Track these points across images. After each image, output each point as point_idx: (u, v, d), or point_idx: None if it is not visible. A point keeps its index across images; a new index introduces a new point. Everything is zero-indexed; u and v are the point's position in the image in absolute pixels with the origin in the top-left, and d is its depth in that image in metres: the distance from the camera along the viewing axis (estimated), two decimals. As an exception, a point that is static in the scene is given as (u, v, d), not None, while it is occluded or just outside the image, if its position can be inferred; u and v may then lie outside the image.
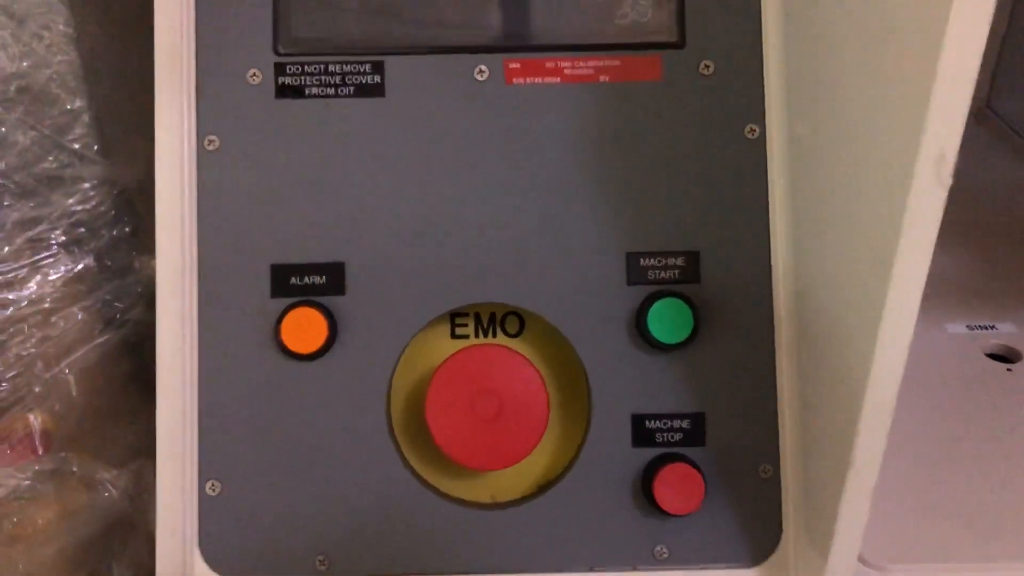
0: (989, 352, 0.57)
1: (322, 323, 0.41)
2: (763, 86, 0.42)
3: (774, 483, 0.41)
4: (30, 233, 0.45)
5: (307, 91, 0.42)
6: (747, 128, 0.42)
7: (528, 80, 0.42)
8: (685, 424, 0.41)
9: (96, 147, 0.46)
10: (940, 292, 0.61)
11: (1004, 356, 0.57)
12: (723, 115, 0.42)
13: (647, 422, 0.41)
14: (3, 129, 0.44)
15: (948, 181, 0.30)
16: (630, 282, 0.42)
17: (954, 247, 0.67)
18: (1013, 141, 0.78)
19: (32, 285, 0.45)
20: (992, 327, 0.59)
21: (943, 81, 0.29)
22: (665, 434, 0.41)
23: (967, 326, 0.59)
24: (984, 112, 0.80)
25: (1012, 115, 0.80)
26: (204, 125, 0.42)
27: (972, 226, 0.69)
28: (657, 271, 0.42)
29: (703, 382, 0.41)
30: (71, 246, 0.47)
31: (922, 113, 0.30)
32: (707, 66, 0.42)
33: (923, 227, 0.31)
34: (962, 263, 0.66)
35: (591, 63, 0.42)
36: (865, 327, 0.34)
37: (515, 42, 0.42)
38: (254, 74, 0.42)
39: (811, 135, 0.40)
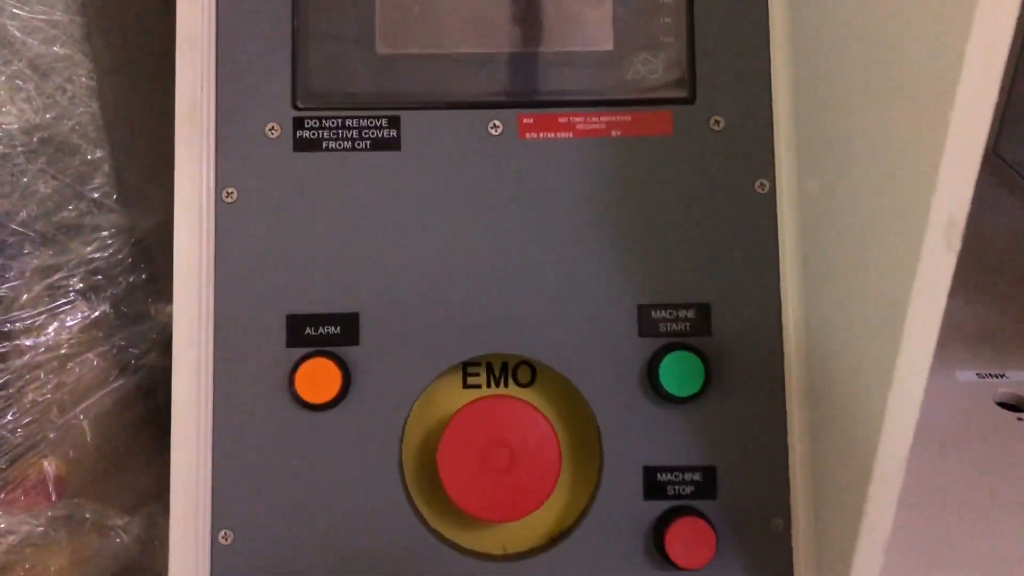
0: (999, 400, 0.57)
1: (336, 373, 0.41)
2: (773, 141, 0.43)
3: (785, 537, 0.41)
4: (49, 280, 0.46)
5: (324, 145, 0.43)
6: (757, 183, 0.43)
7: (541, 135, 0.43)
8: (696, 477, 0.42)
9: (115, 196, 0.47)
10: (949, 338, 0.61)
11: (1014, 405, 0.57)
12: (733, 170, 0.43)
13: (658, 475, 0.42)
14: (25, 179, 0.44)
15: (957, 246, 0.30)
16: (642, 334, 0.42)
17: (963, 292, 0.67)
18: (1020, 186, 0.79)
19: (50, 332, 0.46)
20: (1002, 375, 0.59)
21: (952, 148, 0.29)
22: (676, 487, 0.42)
23: (977, 374, 0.59)
24: (991, 157, 0.81)
25: (1019, 161, 0.80)
26: (223, 177, 0.42)
27: (980, 271, 0.69)
28: (668, 323, 0.42)
29: (714, 435, 0.42)
30: (88, 293, 0.47)
31: (931, 178, 0.30)
32: (717, 121, 0.43)
33: (933, 291, 0.31)
34: (971, 309, 0.66)
35: (603, 118, 0.43)
36: (877, 382, 0.34)
37: (528, 97, 0.43)
38: (272, 127, 0.43)
39: (821, 191, 0.41)
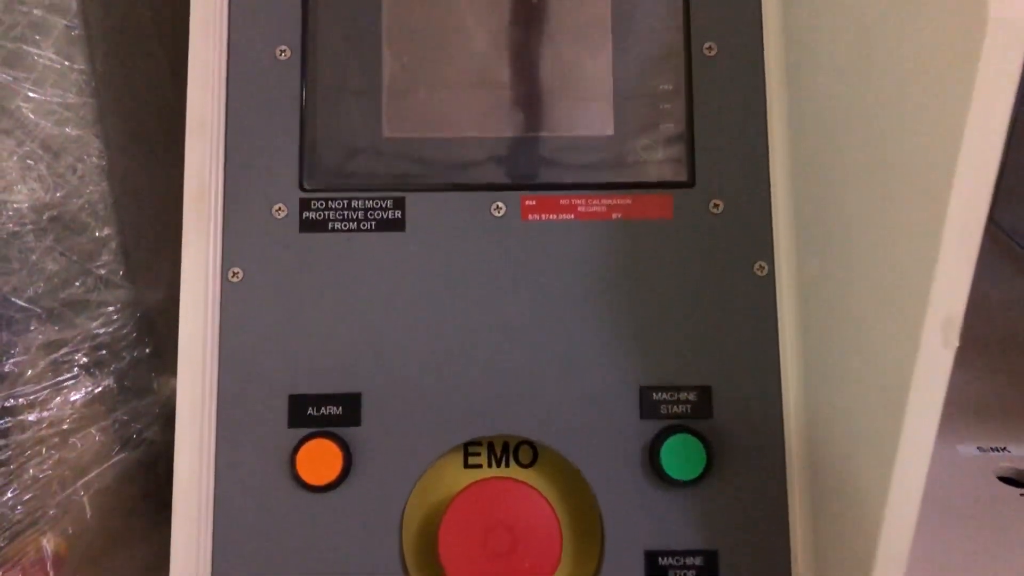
0: (1001, 475, 0.57)
1: (337, 455, 0.41)
2: (772, 224, 0.43)
3: (788, 621, 0.41)
4: (54, 356, 0.46)
5: (330, 225, 0.43)
6: (756, 265, 0.43)
7: (543, 216, 0.44)
8: (698, 561, 0.41)
9: (122, 272, 0.48)
10: (950, 411, 0.61)
11: (1016, 480, 0.57)
12: (733, 252, 0.43)
13: (660, 559, 0.41)
14: (34, 257, 0.45)
15: (956, 343, 0.30)
16: (643, 416, 0.42)
17: (962, 363, 0.67)
18: (1017, 254, 0.79)
19: (52, 407, 0.46)
20: (1004, 449, 0.59)
21: (948, 246, 0.30)
22: (678, 571, 0.41)
23: (978, 448, 0.59)
24: (988, 225, 0.82)
25: (1016, 228, 0.81)
26: (229, 258, 0.43)
27: (979, 342, 0.70)
28: (670, 405, 0.42)
29: (716, 518, 0.42)
30: (92, 368, 0.47)
31: (929, 274, 0.31)
32: (716, 205, 0.44)
33: (932, 385, 0.31)
34: (971, 380, 0.66)
35: (604, 201, 0.44)
36: (878, 469, 0.35)
37: (531, 180, 0.44)
38: (279, 208, 0.43)
39: (820, 274, 0.41)
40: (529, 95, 0.45)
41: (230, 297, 0.43)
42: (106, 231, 0.47)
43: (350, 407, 0.42)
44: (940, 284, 0.30)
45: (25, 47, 0.43)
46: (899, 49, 0.32)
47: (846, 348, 0.39)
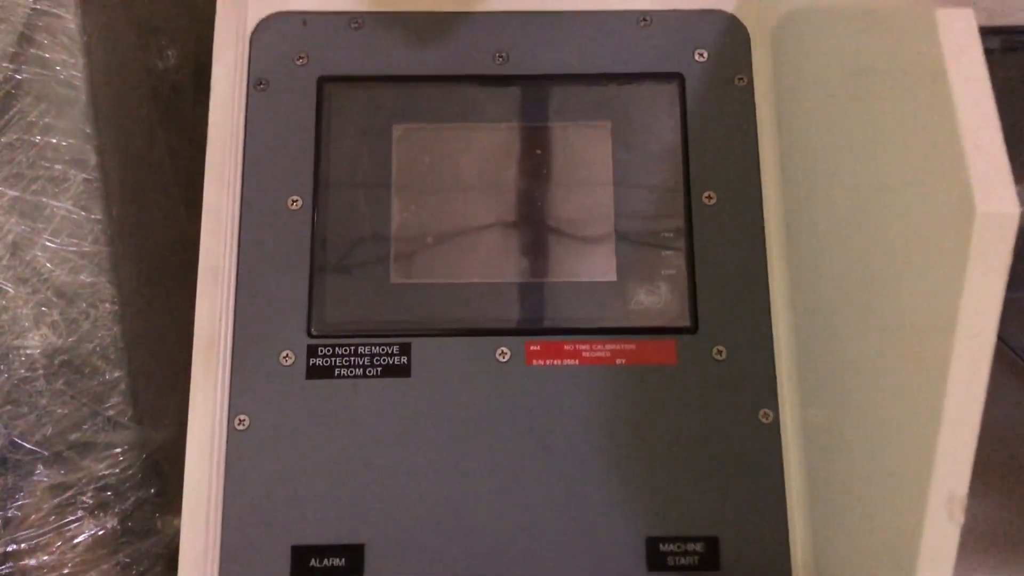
0: (1018, 613, 0.56)
1: (340, 608, 0.41)
2: (775, 371, 0.44)
3: None
4: (59, 499, 0.46)
5: (337, 372, 0.44)
6: (761, 413, 0.43)
7: (548, 362, 0.44)
8: None
9: (130, 414, 0.48)
10: (961, 539, 0.60)
11: (1034, 619, 0.55)
12: (737, 399, 0.43)
13: None
14: (43, 401, 0.45)
15: (961, 518, 0.30)
16: (650, 567, 0.42)
17: (972, 490, 0.66)
18: (1020, 371, 0.79)
19: (55, 551, 0.46)
20: (1019, 583, 0.58)
21: (948, 424, 0.30)
22: None
23: (993, 582, 0.58)
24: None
25: (1021, 343, 0.81)
26: (236, 405, 0.43)
27: (989, 465, 0.69)
28: (677, 557, 0.42)
29: (725, 676, 0.41)
30: (97, 510, 0.47)
31: (931, 449, 0.31)
32: (720, 351, 0.44)
33: (940, 558, 0.31)
34: (982, 506, 0.65)
35: (608, 346, 0.44)
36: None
37: (535, 325, 0.45)
38: (287, 355, 0.44)
39: (825, 426, 0.41)
40: (533, 242, 0.46)
41: (236, 445, 0.43)
42: (116, 373, 0.47)
43: (353, 558, 0.42)
44: (942, 464, 0.30)
45: (44, 199, 0.44)
46: (892, 224, 0.33)
47: (853, 504, 0.38)
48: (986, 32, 0.29)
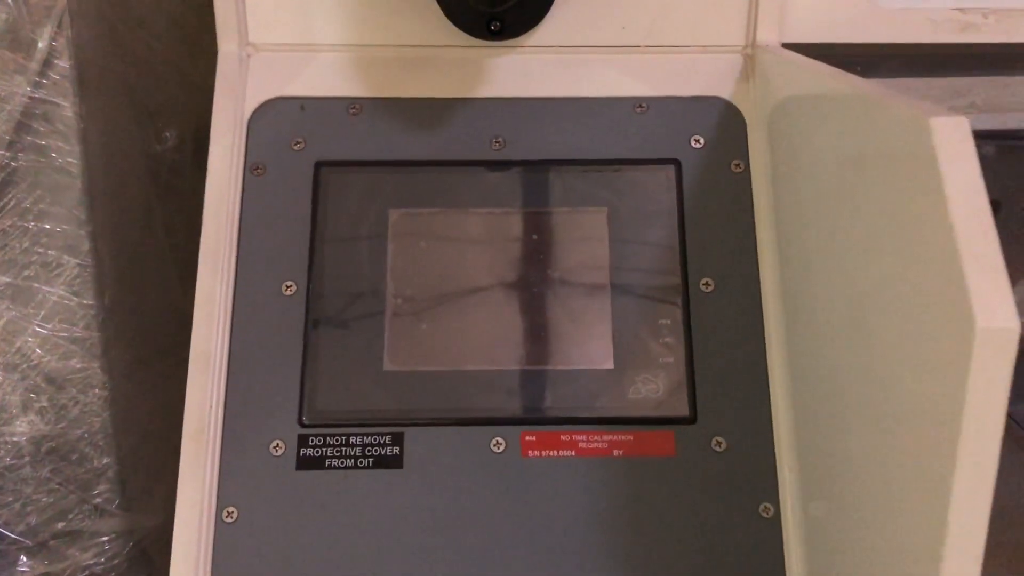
0: None
1: None
2: (776, 464, 0.43)
3: None
4: (41, 591, 0.45)
5: (327, 463, 0.43)
6: (762, 506, 0.42)
7: (544, 453, 0.43)
8: None
9: (117, 501, 0.47)
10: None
11: None
12: (737, 492, 0.42)
13: None
14: (28, 489, 0.45)
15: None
16: (648, 668, 0.40)
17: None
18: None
19: (35, 646, 0.45)
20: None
21: (954, 531, 0.29)
22: None
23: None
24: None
25: (1028, 419, 0.79)
26: (224, 497, 0.42)
27: (1000, 548, 0.67)
28: (675, 656, 0.40)
29: None
30: (81, 601, 0.46)
31: (938, 552, 0.30)
32: (719, 442, 0.43)
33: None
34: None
35: (605, 437, 0.43)
36: None
37: (531, 414, 0.44)
38: (277, 445, 0.43)
39: (826, 521, 0.40)
40: (529, 328, 0.45)
41: (224, 538, 0.42)
42: (104, 460, 0.46)
43: (342, 657, 0.40)
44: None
45: (37, 285, 0.44)
46: (891, 324, 0.32)
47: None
48: (980, 137, 0.29)
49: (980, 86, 0.49)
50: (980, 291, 0.26)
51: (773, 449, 0.43)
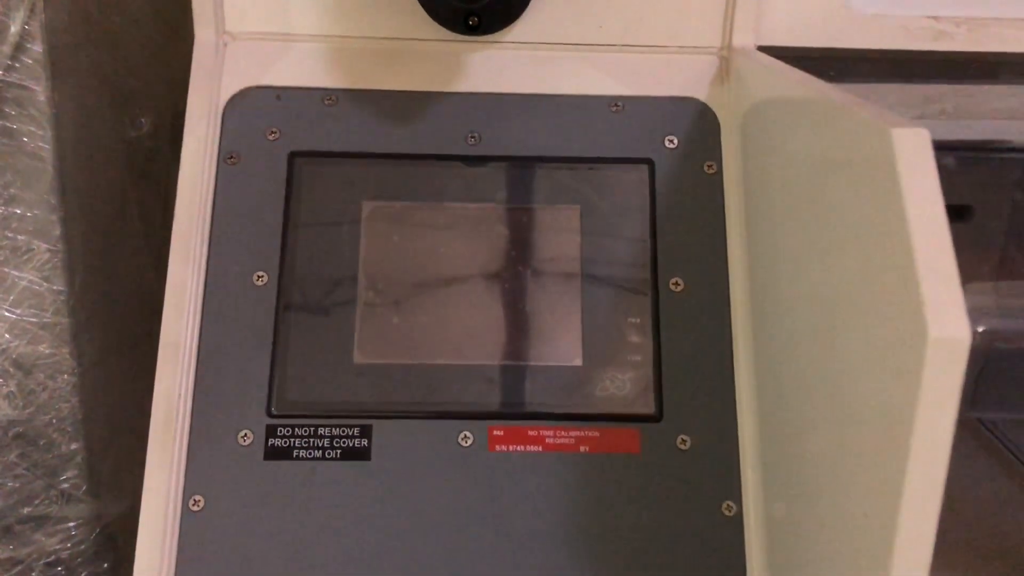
0: None
1: None
2: (740, 463, 0.43)
3: None
4: (7, 575, 0.45)
5: (295, 454, 0.43)
6: (724, 505, 0.43)
7: (511, 448, 0.44)
8: None
9: (85, 487, 0.47)
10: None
11: None
12: (700, 490, 0.43)
13: None
14: (-5, 474, 0.45)
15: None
16: (609, 663, 0.41)
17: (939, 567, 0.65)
18: (998, 451, 0.79)
19: (0, 629, 0.45)
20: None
21: (904, 533, 0.30)
22: None
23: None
24: (969, 420, 0.81)
25: (998, 422, 0.80)
26: (191, 485, 0.42)
27: (961, 547, 0.68)
28: (636, 653, 0.41)
29: None
30: (46, 586, 0.46)
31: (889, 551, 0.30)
32: (684, 440, 0.44)
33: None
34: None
35: (572, 433, 0.44)
36: None
37: (500, 409, 0.44)
38: (245, 435, 0.43)
39: (787, 520, 0.41)
40: (500, 324, 0.45)
41: (189, 526, 0.42)
42: (73, 446, 0.46)
43: (305, 647, 0.41)
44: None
45: (6, 270, 0.44)
46: (851, 329, 0.33)
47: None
48: (940, 148, 0.29)
49: (952, 94, 0.49)
50: (934, 301, 0.26)
51: (737, 448, 0.43)
